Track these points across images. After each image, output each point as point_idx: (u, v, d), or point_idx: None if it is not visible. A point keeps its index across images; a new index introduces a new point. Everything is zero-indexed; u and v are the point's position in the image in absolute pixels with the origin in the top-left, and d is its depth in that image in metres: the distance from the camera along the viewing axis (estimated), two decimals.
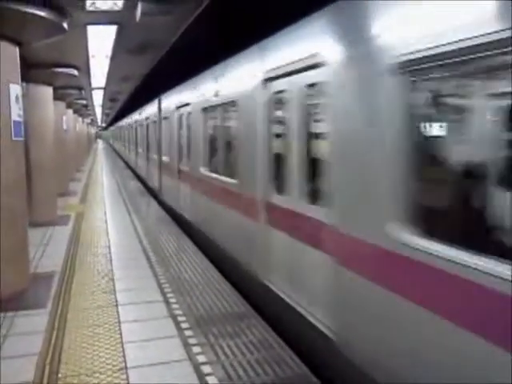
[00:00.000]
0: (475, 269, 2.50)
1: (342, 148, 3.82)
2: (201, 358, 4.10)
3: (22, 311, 5.23)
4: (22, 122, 6.01)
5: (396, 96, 3.12)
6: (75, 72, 11.24)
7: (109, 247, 8.11)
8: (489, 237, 2.69)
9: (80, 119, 28.00)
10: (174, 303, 5.43)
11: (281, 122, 5.24)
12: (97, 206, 13.02)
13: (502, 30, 2.33)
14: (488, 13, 2.45)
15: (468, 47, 2.54)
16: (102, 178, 21.43)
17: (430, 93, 3.11)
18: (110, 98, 24.22)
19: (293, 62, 4.71)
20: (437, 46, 2.71)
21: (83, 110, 25.91)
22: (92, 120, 44.61)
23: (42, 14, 5.76)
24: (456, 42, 2.60)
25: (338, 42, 3.93)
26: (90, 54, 9.68)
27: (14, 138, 5.71)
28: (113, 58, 10.31)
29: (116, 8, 6.22)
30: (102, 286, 6.05)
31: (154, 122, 15.13)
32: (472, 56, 2.55)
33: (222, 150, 7.65)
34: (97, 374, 3.84)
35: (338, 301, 3.91)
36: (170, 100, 12.03)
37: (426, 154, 3.10)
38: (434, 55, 2.76)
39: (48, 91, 11.03)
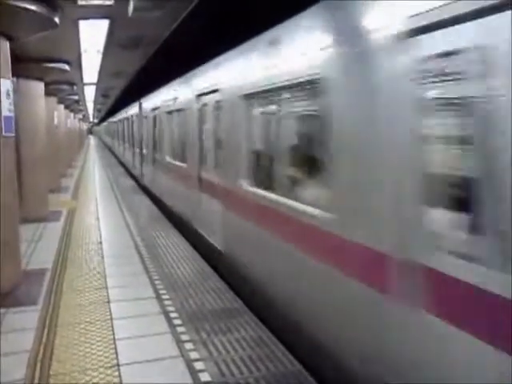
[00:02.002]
0: None
1: None
2: (193, 355, 4.09)
3: (13, 308, 5.20)
4: (13, 117, 5.96)
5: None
6: (67, 67, 11.15)
7: (101, 243, 8.08)
8: None
9: (71, 115, 27.81)
10: (167, 299, 5.42)
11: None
12: (89, 202, 12.95)
13: None
14: None
15: None
16: (94, 173, 21.32)
17: None
18: (102, 94, 24.07)
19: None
20: None
21: (75, 106, 25.75)
22: (84, 116, 44.34)
23: (33, 8, 5.70)
24: None
25: None
26: (82, 48, 9.60)
27: (4, 134, 5.67)
28: (105, 53, 10.23)
29: (108, 2, 6.16)
30: (93, 283, 6.02)
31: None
32: None
33: None
34: (89, 371, 3.83)
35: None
36: None
37: None
38: None
39: (39, 86, 10.94)
